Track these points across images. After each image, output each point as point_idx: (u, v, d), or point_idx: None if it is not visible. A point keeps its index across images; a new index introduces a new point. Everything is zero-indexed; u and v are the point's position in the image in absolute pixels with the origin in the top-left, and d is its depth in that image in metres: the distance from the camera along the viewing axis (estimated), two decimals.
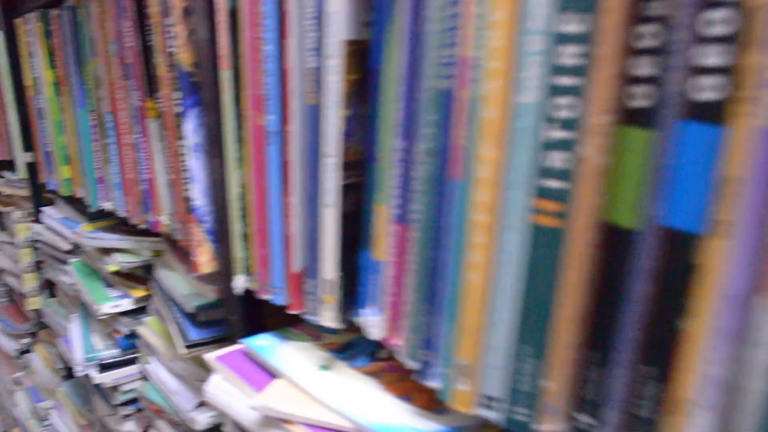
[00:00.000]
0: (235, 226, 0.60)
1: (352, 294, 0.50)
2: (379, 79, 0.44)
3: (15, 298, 1.87)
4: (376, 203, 0.46)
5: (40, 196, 1.38)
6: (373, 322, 0.48)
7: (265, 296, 0.58)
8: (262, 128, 0.53)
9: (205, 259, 0.65)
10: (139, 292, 0.98)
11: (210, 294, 0.76)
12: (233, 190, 0.58)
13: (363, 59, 0.45)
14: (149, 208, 0.86)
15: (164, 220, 0.83)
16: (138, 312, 1.00)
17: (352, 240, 0.49)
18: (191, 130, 0.62)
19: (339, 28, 0.44)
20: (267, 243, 0.56)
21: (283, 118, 0.51)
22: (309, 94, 0.48)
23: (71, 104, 1.08)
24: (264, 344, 0.58)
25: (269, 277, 0.56)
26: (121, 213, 0.96)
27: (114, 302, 0.98)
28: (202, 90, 0.60)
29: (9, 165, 1.79)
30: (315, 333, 0.61)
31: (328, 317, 0.51)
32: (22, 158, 1.38)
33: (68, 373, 1.44)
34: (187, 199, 0.66)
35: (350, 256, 0.49)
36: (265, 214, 0.55)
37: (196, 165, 0.63)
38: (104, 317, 0.98)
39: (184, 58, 0.62)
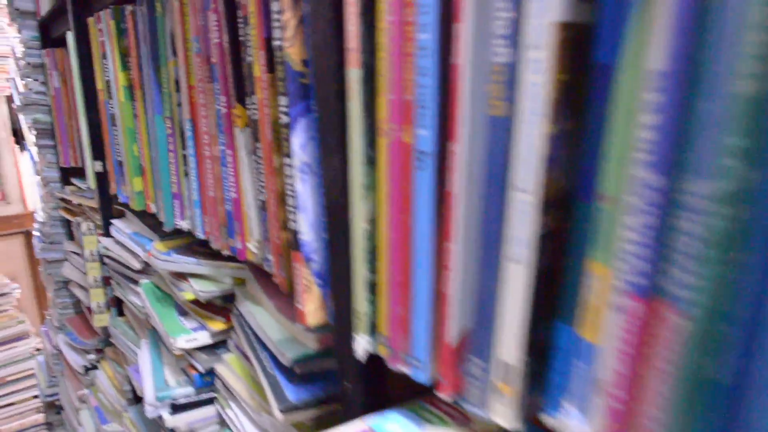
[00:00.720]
0: (359, 272, 0.46)
1: (538, 381, 0.36)
2: (610, 79, 0.29)
3: (82, 311, 1.80)
4: (592, 260, 0.31)
5: (110, 207, 1.28)
6: (578, 429, 0.33)
7: (400, 368, 0.43)
8: (408, 147, 0.39)
9: (311, 307, 0.51)
10: (218, 325, 0.86)
11: (310, 342, 0.63)
12: (358, 226, 0.44)
13: (580, 51, 0.31)
14: (234, 233, 0.74)
15: (253, 247, 0.70)
16: (215, 346, 0.88)
17: (544, 307, 0.34)
18: (299, 145, 0.49)
19: (550, 4, 0.29)
20: (407, 299, 0.42)
21: (444, 134, 0.37)
22: (493, 102, 0.33)
23: (145, 110, 0.97)
24: (395, 429, 0.44)
25: (408, 344, 0.42)
26: (200, 234, 0.84)
27: (190, 335, 0.86)
28: (317, 94, 0.46)
29: (80, 173, 1.71)
30: (459, 413, 0.47)
31: (502, 413, 0.36)
32: (91, 167, 1.29)
33: (136, 397, 1.34)
34: (290, 231, 0.53)
35: (540, 329, 0.35)
36: (407, 261, 0.41)
37: (304, 190, 0.49)
38: (179, 352, 0.86)
39: (293, 53, 0.48)
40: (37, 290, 2.79)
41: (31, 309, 2.79)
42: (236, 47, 0.67)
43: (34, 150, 2.62)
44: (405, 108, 0.39)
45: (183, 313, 0.93)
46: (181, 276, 0.90)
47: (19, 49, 1.92)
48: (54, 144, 1.76)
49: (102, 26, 1.09)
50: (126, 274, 1.18)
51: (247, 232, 0.71)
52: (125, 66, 1.02)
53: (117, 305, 1.35)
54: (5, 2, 2.50)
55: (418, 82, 0.37)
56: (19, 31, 1.80)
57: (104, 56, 1.11)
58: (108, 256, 1.26)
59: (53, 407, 2.06)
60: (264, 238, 0.67)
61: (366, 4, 0.40)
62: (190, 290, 0.87)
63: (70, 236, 1.78)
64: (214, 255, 0.91)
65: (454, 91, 0.35)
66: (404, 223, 0.40)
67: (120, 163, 1.13)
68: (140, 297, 1.06)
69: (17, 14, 1.73)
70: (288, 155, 0.50)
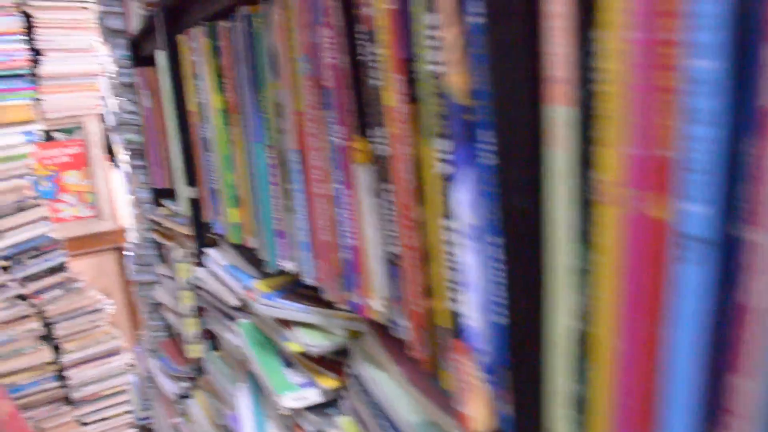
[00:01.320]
0: (556, 381, 0.33)
1: None
2: None
3: (174, 336, 1.75)
4: None
5: (204, 236, 1.21)
6: None
7: None
8: (660, 225, 0.26)
9: (478, 411, 0.39)
10: (329, 382, 0.75)
11: (450, 427, 0.51)
12: (560, 322, 0.32)
13: None
14: (352, 285, 0.63)
15: (377, 305, 0.59)
16: (325, 404, 0.77)
17: None
18: (466, 203, 0.37)
19: None
20: (652, 427, 0.29)
21: (734, 214, 0.24)
22: None
23: (243, 136, 0.88)
24: None
25: None
26: (309, 280, 0.74)
27: (298, 393, 0.76)
28: (498, 139, 0.34)
29: (172, 194, 1.66)
30: None
31: None
32: (184, 193, 1.22)
33: None
34: (449, 314, 0.41)
35: None
36: (651, 386, 0.28)
37: (473, 262, 0.37)
38: (286, 412, 0.76)
39: (456, 82, 0.36)
40: (129, 306, 2.80)
41: (124, 325, 2.81)
42: (356, 69, 0.56)
43: (126, 169, 2.63)
44: (656, 168, 0.26)
45: (288, 363, 0.83)
46: (287, 323, 0.80)
47: (111, 68, 1.90)
48: (145, 164, 1.72)
49: (194, 44, 1.01)
50: (221, 309, 1.10)
51: (369, 287, 0.60)
52: (221, 87, 0.93)
53: (212, 338, 1.28)
54: (90, 21, 2.52)
55: (685, 132, 0.25)
56: (111, 50, 1.77)
57: (197, 76, 1.03)
58: (201, 288, 1.18)
59: (145, 430, 2.03)
60: (394, 297, 0.55)
61: (584, 14, 0.28)
62: (298, 342, 0.76)
63: (162, 258, 1.74)
64: (320, 299, 0.80)
65: (765, 150, 0.22)
66: (649, 333, 0.27)
67: (215, 191, 1.05)
68: (238, 337, 0.97)
69: (108, 33, 1.70)
70: (446, 214, 0.38)
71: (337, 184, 0.62)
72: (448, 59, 0.36)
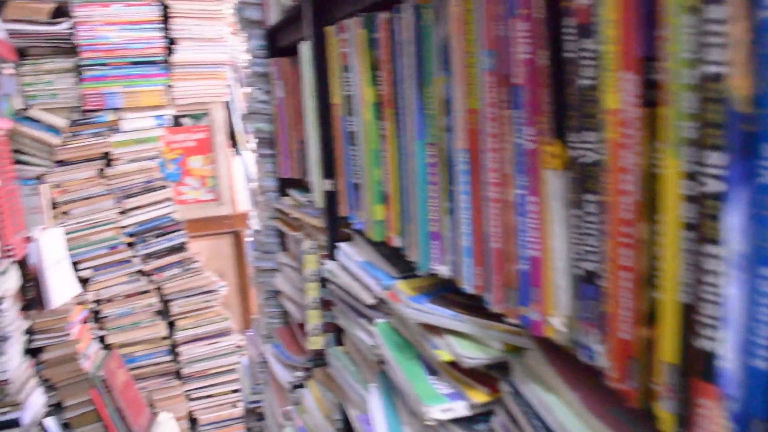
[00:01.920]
0: None
1: None
2: None
3: (290, 323, 1.77)
4: None
5: (337, 229, 1.20)
6: None
7: None
8: None
9: None
10: (480, 396, 0.71)
11: None
12: None
13: None
14: (528, 300, 0.58)
15: (557, 324, 0.54)
16: (471, 418, 0.73)
17: None
18: (735, 226, 0.31)
19: None
20: None
21: None
22: None
23: (398, 132, 0.85)
24: None
25: None
26: (468, 288, 0.70)
27: (446, 405, 0.72)
28: None
29: (298, 184, 1.68)
30: None
31: None
32: (320, 185, 1.21)
33: (346, 428, 1.25)
34: (698, 352, 0.36)
35: None
36: None
37: (738, 296, 0.32)
38: (432, 423, 0.73)
39: (739, 85, 0.31)
40: (241, 289, 2.88)
41: (235, 307, 2.89)
42: (558, 66, 0.51)
43: (251, 157, 2.69)
44: None
45: (432, 371, 0.79)
46: (433, 329, 0.77)
47: (244, 58, 1.94)
48: (273, 154, 1.74)
49: (347, 36, 0.99)
50: (353, 305, 1.08)
51: (548, 303, 0.56)
52: (374, 81, 0.91)
53: (335, 332, 1.27)
54: (227, 12, 2.59)
55: None
56: (247, 40, 1.80)
57: (346, 69, 1.01)
58: (332, 282, 1.17)
59: (254, 413, 2.07)
60: (584, 319, 0.51)
61: None
62: (448, 350, 0.73)
63: (284, 247, 1.76)
64: (473, 306, 0.76)
65: None
66: None
67: (356, 186, 1.03)
68: (373, 337, 0.95)
69: (245, 23, 1.73)
70: (712, 239, 0.33)
71: (520, 189, 0.57)
72: (731, 59, 0.31)
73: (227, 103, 2.74)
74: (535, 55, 0.54)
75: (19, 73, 2.39)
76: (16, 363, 1.80)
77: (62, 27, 2.36)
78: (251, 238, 1.98)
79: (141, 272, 2.58)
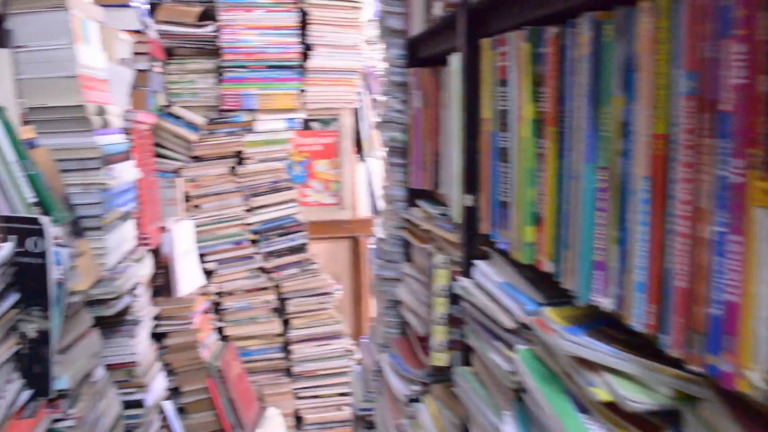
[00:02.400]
0: None
1: None
2: None
3: (408, 334, 1.75)
4: None
5: (474, 246, 1.17)
6: None
7: None
8: None
9: None
10: None
11: None
12: None
13: None
14: (718, 347, 0.53)
15: (755, 379, 0.49)
16: None
17: None
18: None
19: None
20: None
21: None
22: None
23: (560, 152, 0.81)
24: None
25: None
26: (636, 324, 0.65)
27: None
28: None
29: (426, 196, 1.66)
30: None
31: None
32: (459, 200, 1.19)
33: None
34: None
35: None
36: None
37: None
38: None
39: None
40: (355, 294, 2.90)
41: (348, 311, 2.92)
42: None
43: (375, 165, 2.71)
44: None
45: (582, 408, 0.75)
46: (588, 364, 0.72)
47: (380, 66, 1.95)
48: (404, 163, 1.73)
49: (507, 49, 0.96)
50: (488, 327, 1.05)
51: (745, 355, 0.50)
52: (536, 97, 0.87)
53: (462, 351, 1.24)
54: (363, 21, 2.63)
55: None
56: (385, 49, 1.81)
57: (502, 83, 0.98)
58: (466, 300, 1.14)
59: (363, 421, 2.07)
60: None
61: None
62: (607, 390, 0.68)
63: (408, 257, 1.75)
64: (634, 344, 0.71)
65: None
66: None
67: (503, 204, 0.99)
68: (511, 363, 0.91)
69: (386, 32, 1.73)
70: None
71: (719, 226, 0.52)
72: None
73: (356, 110, 2.77)
74: (753, 80, 0.49)
75: (165, 71, 2.53)
76: (144, 346, 1.89)
77: (208, 30, 2.48)
78: (374, 246, 1.99)
79: (262, 269, 2.66)
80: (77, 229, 1.59)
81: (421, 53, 1.63)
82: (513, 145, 0.94)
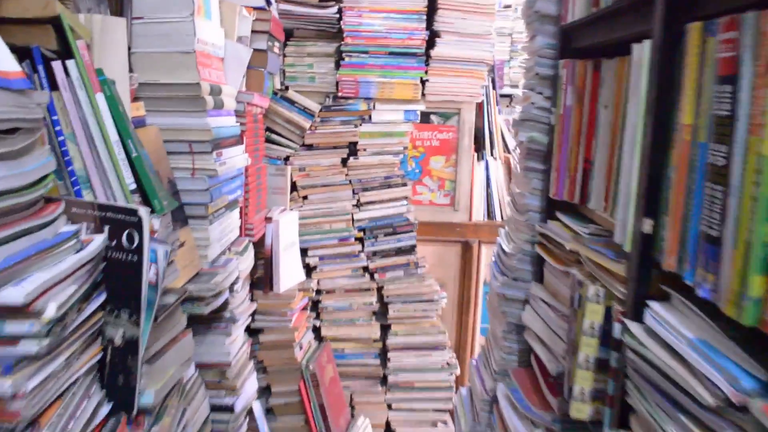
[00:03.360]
0: None
1: None
2: None
3: (533, 367, 1.52)
4: None
5: (649, 284, 0.93)
6: None
7: None
8: None
9: None
10: None
11: None
12: None
13: None
14: None
15: None
16: None
17: None
18: None
19: None
20: None
21: None
22: None
23: None
24: None
25: None
26: None
27: None
28: None
29: (568, 208, 1.43)
30: None
31: None
32: (632, 223, 0.95)
33: None
34: None
35: None
36: None
37: None
38: None
39: None
40: (460, 304, 2.70)
41: (451, 321, 2.71)
42: None
43: (495, 166, 2.48)
44: None
45: None
46: None
47: (522, 58, 1.72)
48: (544, 169, 1.50)
49: (738, 36, 0.72)
50: (670, 394, 0.81)
51: None
52: None
53: (617, 408, 1.00)
54: (492, 6, 2.40)
55: None
56: (530, 38, 1.58)
57: (727, 80, 0.74)
58: (634, 350, 0.91)
59: None
60: None
61: None
62: None
63: (539, 277, 1.52)
64: None
65: None
66: None
67: (710, 239, 0.75)
68: None
69: (535, 18, 1.51)
70: None
71: None
72: None
73: (479, 104, 2.56)
74: None
75: (282, 53, 2.40)
76: (238, 346, 1.76)
77: (330, 11, 2.33)
78: (495, 258, 1.77)
79: (365, 269, 2.50)
80: (180, 218, 1.47)
81: (576, 43, 1.39)
82: (739, 162, 0.70)
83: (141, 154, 1.09)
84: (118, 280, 0.93)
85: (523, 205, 1.55)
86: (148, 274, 0.94)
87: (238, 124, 1.81)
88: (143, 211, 0.92)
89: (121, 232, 0.93)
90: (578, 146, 1.34)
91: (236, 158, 1.74)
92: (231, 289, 1.67)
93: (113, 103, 1.05)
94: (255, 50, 1.92)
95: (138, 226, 0.92)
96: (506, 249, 1.64)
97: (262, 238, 2.17)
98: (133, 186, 1.01)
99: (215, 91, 1.58)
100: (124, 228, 0.93)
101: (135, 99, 1.45)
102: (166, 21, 1.51)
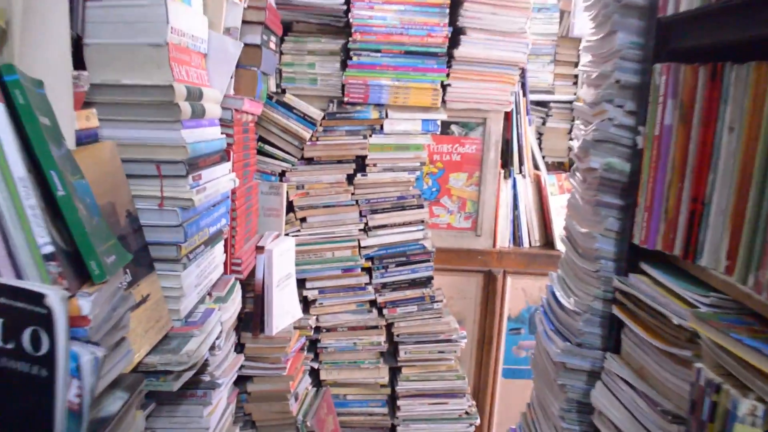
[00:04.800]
0: None
1: None
2: None
3: None
4: None
5: None
6: None
7: None
8: None
9: None
10: None
11: None
12: None
13: None
14: None
15: None
16: None
17: None
18: None
19: None
20: None
21: None
22: None
23: None
24: None
25: None
26: None
27: None
28: None
29: (659, 259, 1.08)
30: None
31: None
32: None
33: None
34: None
35: None
36: None
37: None
38: None
39: None
40: (480, 342, 2.34)
41: (469, 361, 2.36)
42: None
43: (524, 185, 2.13)
44: None
45: None
46: None
47: (585, 60, 1.37)
48: (624, 205, 1.15)
49: None
50: None
51: None
52: None
53: None
54: (526, 1, 2.05)
55: None
56: (604, 35, 1.23)
57: None
58: None
59: None
60: None
61: None
62: None
63: (614, 346, 1.17)
64: None
65: None
66: None
67: None
68: None
69: (615, 8, 1.15)
70: None
71: None
72: None
73: (509, 113, 2.21)
74: None
75: (281, 50, 2.04)
76: (219, 415, 1.40)
77: (336, 1, 1.97)
78: (546, 310, 1.41)
79: (372, 303, 2.14)
80: (144, 263, 1.11)
81: (679, 42, 1.04)
82: None
83: (72, 192, 0.73)
84: (14, 405, 0.57)
85: (592, 251, 1.20)
86: (64, 396, 0.58)
87: (224, 136, 1.45)
88: (55, 298, 0.56)
89: (21, 329, 0.57)
90: (681, 180, 0.99)
91: (221, 180, 1.38)
92: (212, 346, 1.31)
93: (28, 116, 0.69)
94: (246, 45, 1.56)
95: (46, 321, 0.56)
96: (565, 303, 1.29)
97: (253, 270, 1.81)
98: (49, 249, 0.64)
99: (194, 95, 1.22)
100: (26, 323, 0.57)
101: (85, 105, 1.09)
102: (130, 5, 1.15)
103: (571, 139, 2.76)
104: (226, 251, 1.54)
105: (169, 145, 1.17)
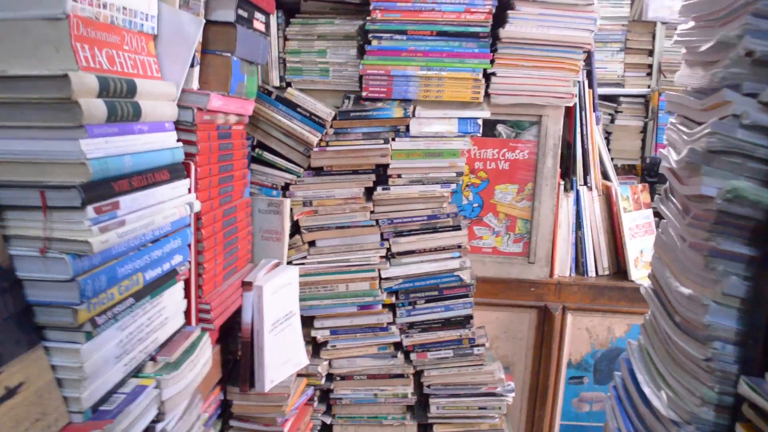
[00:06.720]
0: None
1: None
2: None
3: None
4: None
5: None
6: None
7: None
8: None
9: None
10: None
11: None
12: None
13: None
14: None
15: None
16: None
17: None
18: None
19: None
20: None
21: None
22: None
23: None
24: None
25: None
26: None
27: None
28: None
29: None
30: None
31: None
32: None
33: None
34: None
35: None
36: None
37: None
38: None
39: None
40: (533, 394, 1.90)
41: (516, 415, 1.92)
42: None
43: (590, 200, 1.71)
44: None
45: None
46: None
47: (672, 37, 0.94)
48: (759, 257, 0.71)
49: None
50: None
51: None
52: None
53: None
54: None
55: None
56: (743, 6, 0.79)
57: None
58: None
59: None
60: None
61: None
62: None
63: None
64: None
65: None
66: None
67: None
68: None
69: None
70: None
71: None
72: None
73: (570, 109, 1.76)
74: None
75: (285, 35, 1.66)
76: None
77: None
78: (617, 392, 0.97)
79: (397, 346, 1.74)
80: (20, 337, 0.74)
81: None
82: None
83: None
84: None
85: (701, 326, 0.76)
86: None
87: (180, 144, 1.07)
88: None
89: None
90: None
91: (166, 205, 1.00)
92: None
93: None
94: (214, 23, 1.18)
95: None
96: (653, 400, 0.84)
97: (238, 311, 1.43)
98: None
99: (116, 90, 0.84)
100: None
101: None
102: None
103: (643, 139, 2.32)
104: (188, 296, 1.17)
105: (61, 162, 0.80)
